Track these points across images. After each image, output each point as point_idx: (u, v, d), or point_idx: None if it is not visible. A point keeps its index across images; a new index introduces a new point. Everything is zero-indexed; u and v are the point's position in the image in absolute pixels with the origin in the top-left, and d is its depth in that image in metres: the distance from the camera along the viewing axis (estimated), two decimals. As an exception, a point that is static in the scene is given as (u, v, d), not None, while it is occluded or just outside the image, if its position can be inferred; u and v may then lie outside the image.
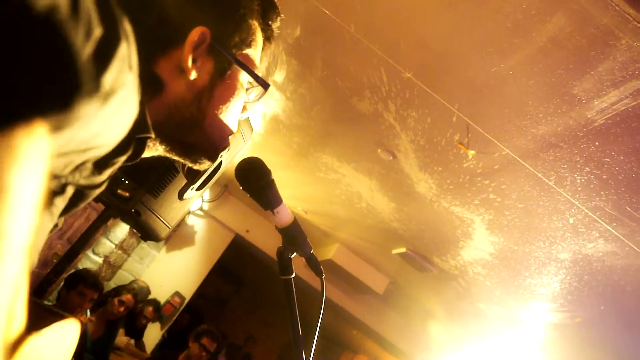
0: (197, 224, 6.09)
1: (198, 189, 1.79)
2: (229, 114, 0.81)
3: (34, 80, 0.38)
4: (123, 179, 1.61)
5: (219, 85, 0.77)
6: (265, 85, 0.83)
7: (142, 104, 0.58)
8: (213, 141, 0.81)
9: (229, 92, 0.79)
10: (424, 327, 6.27)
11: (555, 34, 1.65)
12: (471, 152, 2.49)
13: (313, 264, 1.03)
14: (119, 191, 1.59)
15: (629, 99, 1.73)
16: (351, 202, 4.10)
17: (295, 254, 1.02)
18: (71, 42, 0.40)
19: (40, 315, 0.51)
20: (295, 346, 0.93)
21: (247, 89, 0.84)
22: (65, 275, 3.24)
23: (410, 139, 2.74)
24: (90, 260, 4.43)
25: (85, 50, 0.41)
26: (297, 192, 4.57)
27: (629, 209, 2.23)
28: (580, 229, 2.57)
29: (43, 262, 2.76)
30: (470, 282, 4.13)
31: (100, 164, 0.54)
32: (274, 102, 3.24)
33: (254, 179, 1.00)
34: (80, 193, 0.58)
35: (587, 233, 2.58)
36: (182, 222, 5.89)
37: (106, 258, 4.67)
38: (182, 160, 0.81)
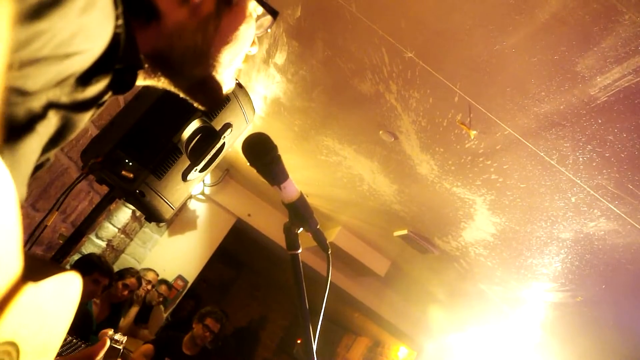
0: (199, 209, 6.12)
1: (201, 170, 1.80)
2: (238, 45, 0.78)
3: None
4: (127, 160, 1.61)
5: (226, 13, 0.74)
6: (274, 13, 0.80)
7: (128, 25, 0.56)
8: (220, 75, 0.78)
9: (238, 20, 0.76)
10: (425, 308, 6.33)
11: (558, 10, 1.63)
12: (473, 132, 2.49)
13: (319, 239, 1.04)
14: (123, 172, 1.59)
15: (632, 75, 1.72)
16: (353, 184, 4.10)
17: (301, 229, 1.03)
18: None
19: (37, 266, 0.48)
20: (302, 320, 0.94)
21: (255, 19, 0.80)
22: (69, 258, 3.26)
23: (412, 120, 2.74)
24: (94, 245, 4.45)
25: None
26: (298, 176, 4.58)
27: (631, 186, 2.23)
28: (582, 207, 2.58)
29: (48, 244, 2.78)
30: (472, 263, 4.15)
31: (83, 79, 0.52)
32: (275, 85, 3.23)
33: (261, 155, 1.00)
34: (66, 120, 0.55)
35: (589, 212, 2.59)
36: (184, 207, 5.92)
37: (109, 242, 4.70)
38: (188, 97, 0.78)
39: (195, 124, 1.70)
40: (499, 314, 4.88)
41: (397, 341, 8.01)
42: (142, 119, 1.65)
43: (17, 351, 0.48)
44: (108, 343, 1.03)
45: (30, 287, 0.45)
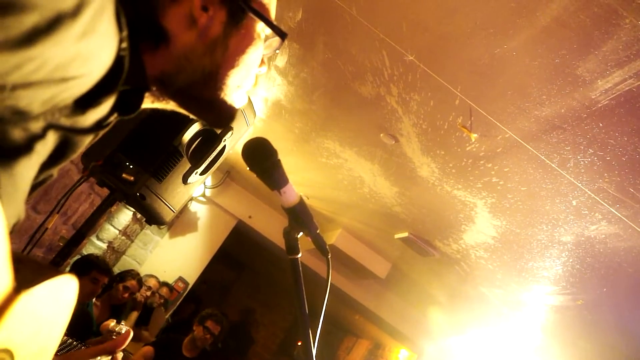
0: (200, 210, 6.12)
1: (202, 173, 1.80)
2: (246, 67, 0.78)
3: None
4: (127, 163, 1.61)
5: (234, 36, 0.74)
6: (282, 35, 0.79)
7: (135, 47, 0.56)
8: (229, 97, 0.78)
9: (245, 42, 0.76)
10: (426, 311, 6.32)
11: (559, 14, 1.63)
12: (474, 135, 2.49)
13: (319, 243, 1.04)
14: (124, 175, 1.59)
15: (633, 79, 1.72)
16: (353, 187, 4.10)
17: (301, 233, 1.03)
18: None
19: (32, 271, 0.49)
20: (302, 325, 0.94)
21: (263, 41, 0.80)
22: (70, 259, 3.26)
23: (412, 123, 2.74)
24: (95, 246, 4.45)
25: None
26: (299, 178, 4.58)
27: (632, 190, 2.23)
28: (583, 211, 2.58)
29: (48, 246, 2.79)
30: (473, 265, 4.15)
31: (83, 102, 0.51)
32: (276, 87, 3.23)
33: (261, 159, 1.00)
34: (66, 140, 0.56)
35: (590, 215, 2.58)
36: (185, 209, 5.92)
37: (110, 244, 4.70)
38: (198, 118, 0.79)
39: (195, 127, 1.70)
40: (499, 317, 4.87)
41: (397, 343, 8.00)
42: (143, 122, 1.65)
43: (12, 357, 0.48)
44: (132, 334, 1.03)
45: (24, 295, 0.45)
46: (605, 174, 2.24)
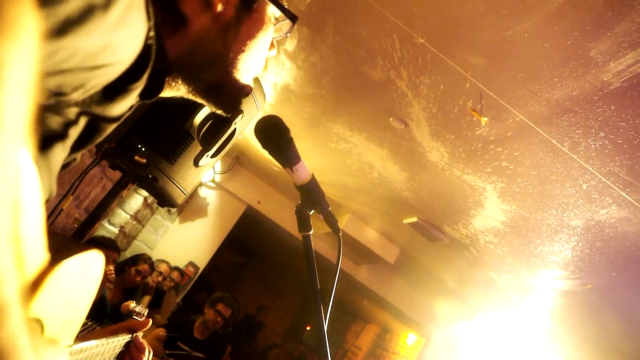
0: (210, 196, 6.16)
1: (213, 155, 1.82)
2: (256, 50, 0.79)
3: None
4: (140, 146, 1.63)
5: (245, 19, 0.75)
6: (293, 18, 0.80)
7: (159, 34, 0.57)
8: (237, 80, 0.79)
9: (257, 26, 0.77)
10: (434, 296, 6.35)
11: (572, -6, 1.62)
12: (484, 119, 2.48)
13: (330, 221, 1.05)
14: (136, 157, 1.61)
15: (646, 61, 1.70)
16: (362, 172, 4.11)
17: (313, 211, 1.05)
18: None
19: (62, 246, 0.51)
20: (314, 299, 0.96)
21: (274, 24, 0.81)
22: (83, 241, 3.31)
23: (422, 107, 2.73)
24: (107, 231, 4.51)
25: None
26: (308, 163, 4.49)
27: (643, 173, 2.22)
28: (594, 195, 2.57)
29: (62, 230, 2.83)
30: (481, 250, 4.15)
31: (113, 89, 0.53)
32: (285, 72, 3.23)
33: (274, 137, 1.01)
34: (95, 124, 0.57)
35: (600, 199, 2.57)
36: (194, 194, 5.96)
37: (122, 228, 4.75)
38: (205, 103, 0.79)
39: (206, 110, 1.71)
40: (507, 302, 4.88)
41: (405, 328, 8.06)
42: (155, 105, 1.66)
43: (42, 326, 0.50)
44: (150, 322, 1.06)
45: (57, 268, 0.47)
46: (617, 158, 2.23)
